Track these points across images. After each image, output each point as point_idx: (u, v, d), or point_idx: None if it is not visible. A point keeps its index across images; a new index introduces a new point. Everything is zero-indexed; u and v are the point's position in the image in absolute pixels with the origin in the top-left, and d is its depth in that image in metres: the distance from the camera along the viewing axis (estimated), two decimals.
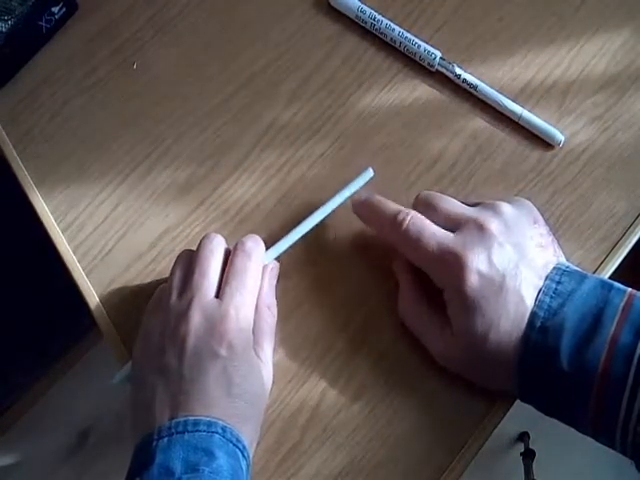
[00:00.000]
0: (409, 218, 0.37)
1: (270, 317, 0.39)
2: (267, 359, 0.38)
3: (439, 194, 0.39)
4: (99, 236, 0.44)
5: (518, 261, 0.35)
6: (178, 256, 0.39)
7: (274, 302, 0.40)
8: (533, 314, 0.34)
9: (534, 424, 1.11)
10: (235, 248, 0.38)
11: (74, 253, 0.44)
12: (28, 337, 0.82)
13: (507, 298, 0.34)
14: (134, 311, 0.41)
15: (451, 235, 0.36)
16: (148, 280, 0.43)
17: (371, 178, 0.42)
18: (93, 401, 1.17)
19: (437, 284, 0.37)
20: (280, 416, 0.39)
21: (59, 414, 1.17)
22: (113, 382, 0.39)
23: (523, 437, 1.13)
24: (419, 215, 0.37)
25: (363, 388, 0.40)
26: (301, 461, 0.38)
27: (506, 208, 0.37)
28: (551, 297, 0.34)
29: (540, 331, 0.33)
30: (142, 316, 0.39)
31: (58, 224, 0.45)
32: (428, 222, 0.37)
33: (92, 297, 0.43)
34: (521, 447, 1.11)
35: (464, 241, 0.35)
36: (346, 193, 0.41)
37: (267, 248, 0.40)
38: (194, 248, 0.39)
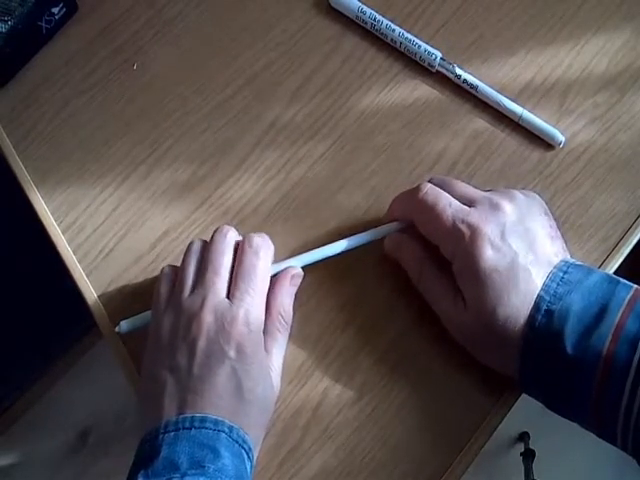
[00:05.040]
0: (427, 187, 0.38)
1: (282, 325, 0.38)
2: (274, 366, 0.38)
3: (453, 179, 0.40)
4: (99, 237, 0.44)
5: (530, 243, 0.35)
6: (190, 245, 0.39)
7: (290, 310, 0.39)
8: (539, 297, 0.34)
9: (534, 424, 1.11)
10: (242, 244, 0.38)
11: (74, 254, 0.44)
12: (28, 337, 0.82)
13: (518, 274, 0.34)
14: (134, 311, 0.41)
15: (466, 208, 0.36)
16: (148, 281, 0.43)
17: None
18: (93, 401, 1.17)
19: (447, 255, 0.37)
20: (281, 417, 0.39)
21: (59, 414, 1.17)
22: (118, 330, 0.39)
23: (523, 437, 1.13)
24: (436, 187, 0.38)
25: (364, 389, 0.40)
26: (302, 462, 0.38)
27: (519, 195, 0.38)
28: (558, 284, 0.34)
29: (545, 314, 0.34)
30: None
31: (58, 225, 0.45)
32: (445, 193, 0.38)
33: (92, 297, 0.43)
34: (521, 447, 1.11)
35: (479, 215, 0.36)
36: (373, 235, 0.40)
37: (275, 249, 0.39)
38: None
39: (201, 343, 0.35)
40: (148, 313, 0.39)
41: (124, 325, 0.39)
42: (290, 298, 0.39)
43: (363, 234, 0.40)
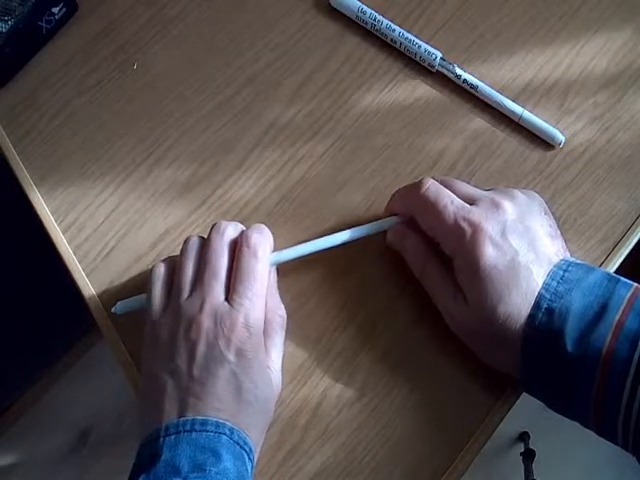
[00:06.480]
0: (429, 183, 0.38)
1: (278, 323, 0.38)
2: (274, 366, 0.37)
3: (453, 178, 0.40)
4: (99, 237, 0.44)
5: (530, 242, 0.35)
6: (187, 243, 0.38)
7: (281, 306, 0.39)
8: (540, 295, 0.34)
9: (534, 424, 1.12)
10: (240, 243, 0.37)
11: (74, 254, 0.44)
12: (28, 337, 0.82)
13: (519, 272, 0.34)
14: (134, 311, 0.41)
15: (468, 206, 0.37)
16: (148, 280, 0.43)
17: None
18: (93, 401, 1.17)
19: (447, 252, 0.37)
20: (281, 416, 0.39)
21: (59, 414, 1.17)
22: (114, 311, 0.39)
23: (523, 437, 1.13)
24: (438, 184, 0.38)
25: (364, 388, 0.40)
26: (302, 461, 0.38)
27: (519, 194, 0.38)
28: (558, 282, 0.34)
29: (546, 312, 0.34)
30: (142, 316, 0.39)
31: (58, 225, 0.45)
32: (447, 190, 0.38)
33: (92, 297, 0.43)
34: (521, 447, 1.11)
35: (480, 213, 0.36)
36: (374, 228, 0.40)
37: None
38: None
39: (201, 347, 0.35)
40: (144, 296, 0.39)
41: (120, 306, 0.39)
42: (276, 295, 0.39)
43: (364, 226, 0.40)
